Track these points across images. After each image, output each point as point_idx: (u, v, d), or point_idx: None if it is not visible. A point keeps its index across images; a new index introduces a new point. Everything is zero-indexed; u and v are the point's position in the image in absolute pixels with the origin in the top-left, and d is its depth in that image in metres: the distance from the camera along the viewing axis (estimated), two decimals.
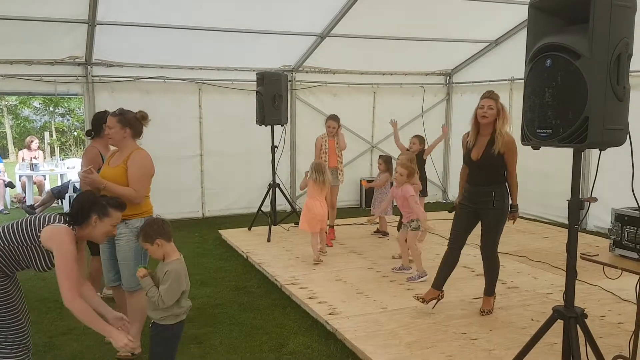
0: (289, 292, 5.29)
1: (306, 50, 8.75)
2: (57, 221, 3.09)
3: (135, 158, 3.97)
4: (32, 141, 11.23)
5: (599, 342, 3.13)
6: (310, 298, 5.03)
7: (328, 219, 7.50)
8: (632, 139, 2.79)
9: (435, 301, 4.66)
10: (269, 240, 7.20)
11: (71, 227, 3.10)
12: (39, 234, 3.03)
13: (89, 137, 5.13)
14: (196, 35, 7.70)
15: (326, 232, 6.90)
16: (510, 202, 4.47)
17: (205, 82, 8.80)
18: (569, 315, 2.98)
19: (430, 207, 9.52)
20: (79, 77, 8.11)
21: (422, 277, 5.51)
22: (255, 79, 7.63)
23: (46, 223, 3.07)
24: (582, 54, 2.63)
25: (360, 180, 9.18)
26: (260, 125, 7.63)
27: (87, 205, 3.20)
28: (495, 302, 4.74)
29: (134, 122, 4.04)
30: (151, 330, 3.30)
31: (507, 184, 4.45)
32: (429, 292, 4.65)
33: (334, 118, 7.22)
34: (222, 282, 5.75)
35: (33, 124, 24.82)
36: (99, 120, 4.91)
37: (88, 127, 8.18)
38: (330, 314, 4.64)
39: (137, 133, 4.09)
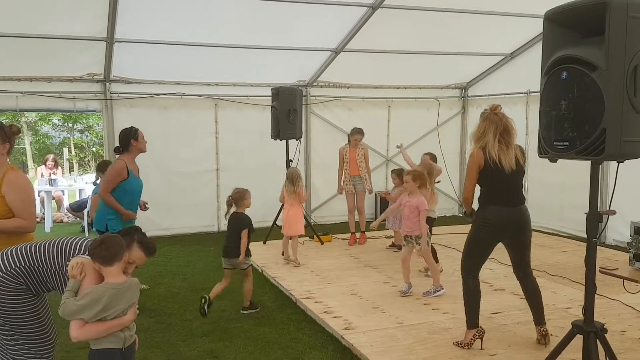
0: (304, 307, 5.27)
1: (321, 65, 8.80)
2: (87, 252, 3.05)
3: (12, 182, 3.42)
4: (47, 159, 11.41)
5: (619, 358, 3.08)
6: (325, 313, 5.00)
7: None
8: None
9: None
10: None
11: None
12: (67, 263, 2.99)
13: (117, 153, 5.29)
14: (212, 51, 7.80)
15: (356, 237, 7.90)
16: (481, 214, 4.13)
17: (221, 97, 8.89)
18: (589, 330, 2.94)
19: (446, 221, 9.47)
20: (97, 94, 8.25)
21: (438, 291, 5.47)
22: (270, 94, 7.69)
23: (76, 252, 3.05)
24: (598, 66, 2.63)
25: (379, 193, 9.02)
26: (275, 140, 7.68)
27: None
28: (513, 318, 4.66)
29: (11, 137, 3.57)
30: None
31: (483, 198, 4.16)
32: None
33: (360, 132, 7.87)
34: (237, 296, 5.74)
35: (52, 140, 25.17)
36: (127, 136, 5.18)
37: (106, 143, 8.36)
38: (345, 328, 4.60)
39: (11, 149, 3.67)
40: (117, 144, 5.33)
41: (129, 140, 5.18)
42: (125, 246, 3.05)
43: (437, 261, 6.37)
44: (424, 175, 5.64)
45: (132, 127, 5.28)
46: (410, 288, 5.55)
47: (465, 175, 4.21)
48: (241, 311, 5.27)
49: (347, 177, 7.84)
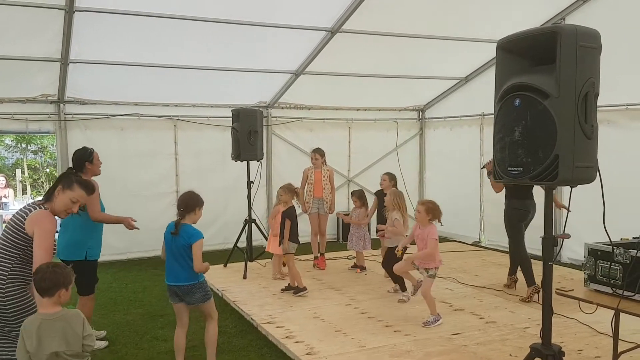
0: (265, 332, 5.18)
1: (281, 87, 8.83)
2: (35, 209, 3.27)
3: None
4: None
5: None
6: (287, 337, 4.93)
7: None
8: (602, 176, 2.84)
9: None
10: (245, 277, 7.10)
11: (46, 208, 3.30)
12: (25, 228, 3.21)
13: None
14: (171, 72, 7.72)
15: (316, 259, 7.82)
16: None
17: (180, 118, 8.77)
18: (547, 354, 2.97)
19: None
20: (51, 115, 8.01)
21: (438, 320, 5.25)
22: (230, 115, 7.64)
23: (27, 215, 3.22)
24: (550, 93, 2.70)
25: (337, 214, 9.00)
26: (236, 161, 7.61)
27: (57, 181, 3.40)
28: (473, 339, 4.70)
29: None
30: None
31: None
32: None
33: (316, 150, 7.84)
34: (196, 323, 5.58)
35: (4, 162, 24.35)
36: (81, 159, 4.98)
37: (60, 165, 8.09)
38: (307, 354, 4.54)
39: None
40: (71, 165, 5.15)
41: (84, 162, 4.95)
42: (66, 188, 3.36)
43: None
44: (438, 210, 5.34)
45: (86, 149, 5.06)
46: (438, 320, 5.29)
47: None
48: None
49: (310, 199, 7.77)
